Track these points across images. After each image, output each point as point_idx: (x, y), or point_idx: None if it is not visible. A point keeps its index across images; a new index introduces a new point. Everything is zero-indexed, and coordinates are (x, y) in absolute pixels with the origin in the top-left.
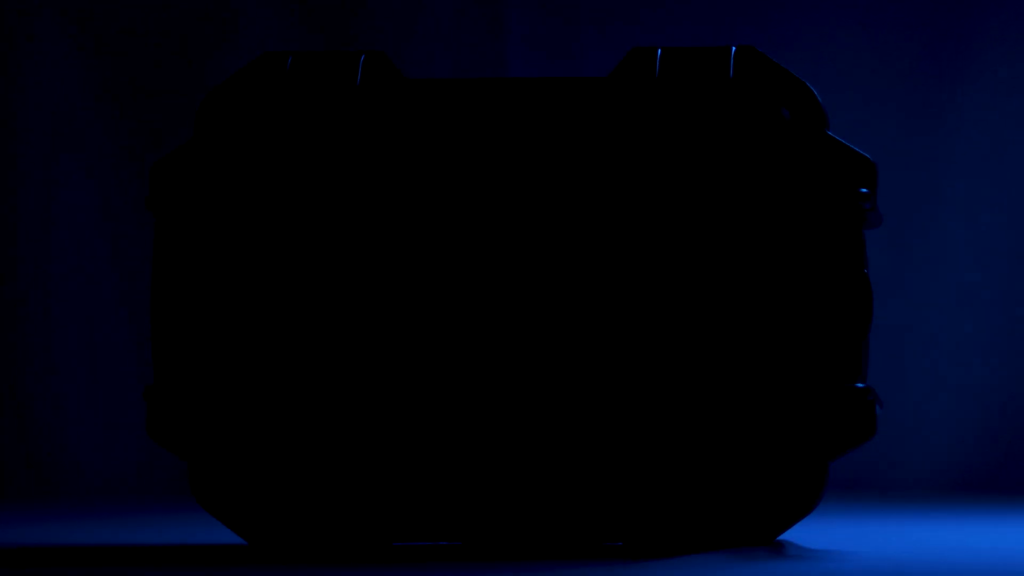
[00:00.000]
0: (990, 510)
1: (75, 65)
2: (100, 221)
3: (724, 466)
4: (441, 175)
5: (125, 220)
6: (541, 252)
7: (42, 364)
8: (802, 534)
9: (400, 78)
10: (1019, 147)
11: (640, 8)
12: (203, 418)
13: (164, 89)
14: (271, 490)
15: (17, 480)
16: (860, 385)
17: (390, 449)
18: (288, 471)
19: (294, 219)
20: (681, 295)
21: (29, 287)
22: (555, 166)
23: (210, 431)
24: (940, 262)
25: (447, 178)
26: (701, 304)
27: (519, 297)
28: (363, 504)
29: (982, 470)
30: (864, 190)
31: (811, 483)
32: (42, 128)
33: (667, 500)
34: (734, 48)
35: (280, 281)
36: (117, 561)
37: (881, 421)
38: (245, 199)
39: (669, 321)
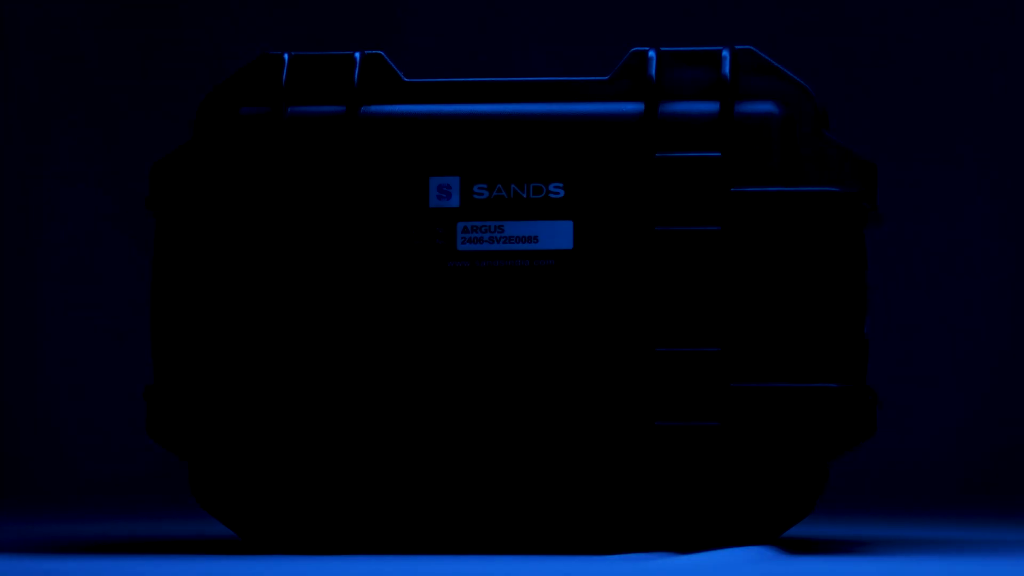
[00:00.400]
0: (989, 511)
1: (75, 65)
2: (100, 221)
3: (724, 466)
4: (438, 175)
5: (125, 220)
6: (540, 250)
7: (42, 364)
8: (802, 534)
9: (398, 79)
10: (1020, 147)
11: (640, 8)
12: (203, 418)
13: (164, 89)
14: (271, 491)
15: (17, 480)
16: (860, 385)
17: (390, 449)
18: (288, 472)
19: (293, 219)
20: (681, 295)
21: (29, 287)
22: (554, 165)
23: (210, 431)
24: (941, 262)
25: (444, 179)
26: (701, 305)
27: (518, 296)
28: (363, 504)
29: (982, 471)
30: (864, 191)
31: (811, 483)
32: (42, 128)
33: (667, 500)
34: (734, 49)
35: (280, 281)
36: (116, 561)
37: (881, 421)
38: (245, 199)
39: (668, 322)
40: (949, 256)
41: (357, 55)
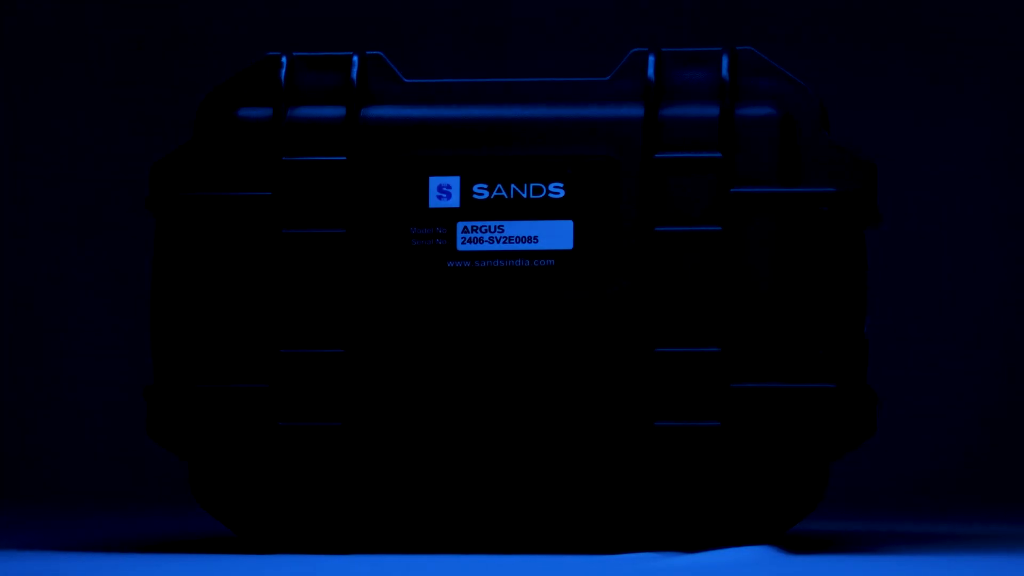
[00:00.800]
0: (990, 511)
1: (74, 65)
2: (100, 221)
3: (725, 466)
4: (438, 175)
5: (125, 220)
6: (539, 250)
7: (41, 364)
8: (804, 534)
9: (398, 79)
10: (1020, 146)
11: (641, 9)
12: (203, 418)
13: (164, 90)
14: (271, 491)
15: (17, 480)
16: (860, 385)
17: (390, 449)
18: (288, 472)
19: (293, 219)
20: (680, 295)
21: (28, 286)
22: (554, 165)
23: (210, 431)
24: (941, 262)
25: (444, 179)
26: (701, 305)
27: (518, 296)
28: (363, 504)
29: (982, 471)
30: (864, 191)
31: (811, 484)
32: (42, 128)
33: (668, 501)
34: (733, 49)
35: (279, 281)
36: (116, 561)
37: (881, 421)
38: (245, 199)
39: (668, 322)
40: (949, 256)
41: (357, 56)
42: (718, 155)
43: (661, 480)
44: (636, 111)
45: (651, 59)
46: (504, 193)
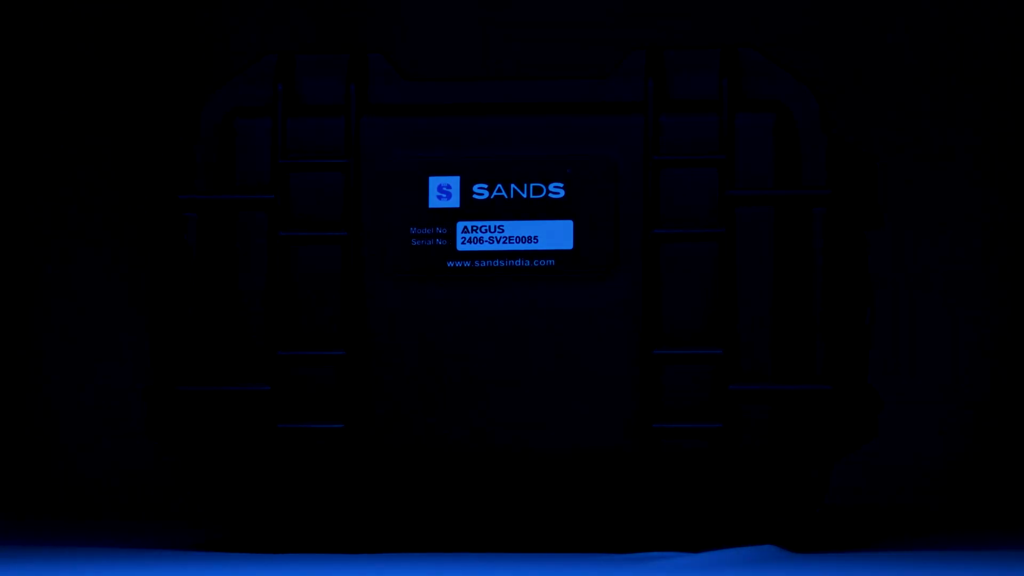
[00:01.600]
0: (992, 510)
1: (73, 65)
2: (99, 220)
3: (724, 468)
4: (438, 175)
5: (125, 220)
6: (539, 250)
7: (40, 364)
8: (804, 534)
9: (398, 79)
10: (1020, 145)
11: (641, 9)
12: (202, 419)
13: (163, 89)
14: (272, 492)
15: (15, 480)
16: (860, 386)
17: (390, 448)
18: (288, 473)
19: (292, 219)
20: (682, 296)
21: (27, 286)
22: (554, 165)
23: (209, 432)
24: (942, 262)
25: (444, 179)
26: (701, 306)
27: (518, 296)
28: (364, 506)
29: (984, 470)
30: (864, 190)
31: (812, 486)
32: (41, 129)
33: (667, 502)
34: (734, 49)
35: (279, 280)
36: (115, 561)
37: (882, 422)
38: (244, 201)
39: (667, 323)
40: (949, 255)
41: (356, 55)
42: (718, 156)
43: (661, 481)
44: (636, 112)
45: (651, 59)
46: (504, 193)
